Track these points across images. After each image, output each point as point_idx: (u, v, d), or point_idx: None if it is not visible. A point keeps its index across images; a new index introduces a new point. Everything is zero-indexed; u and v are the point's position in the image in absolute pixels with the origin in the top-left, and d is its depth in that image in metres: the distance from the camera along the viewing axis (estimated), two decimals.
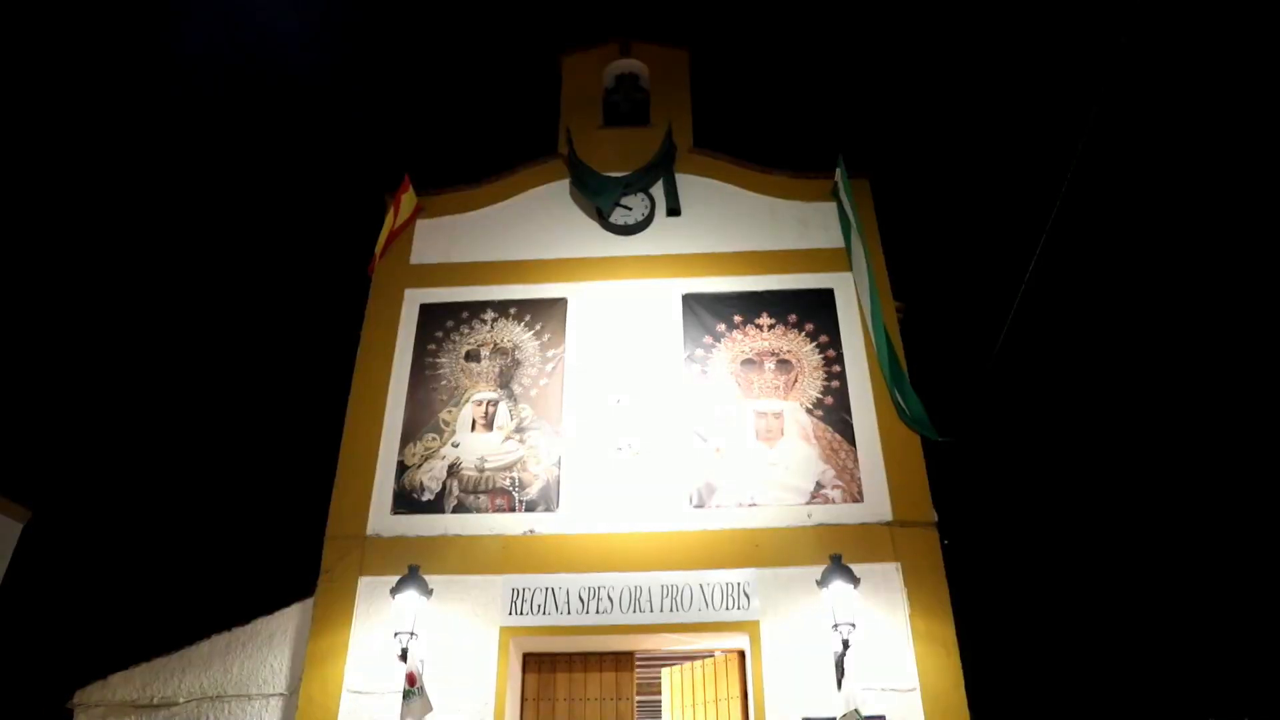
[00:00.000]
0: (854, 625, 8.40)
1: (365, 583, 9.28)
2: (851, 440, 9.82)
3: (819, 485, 9.57)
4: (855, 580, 8.58)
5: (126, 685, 9.43)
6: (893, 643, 8.75)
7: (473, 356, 10.58)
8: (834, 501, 9.48)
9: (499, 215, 11.71)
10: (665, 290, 10.88)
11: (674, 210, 11.44)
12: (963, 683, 8.63)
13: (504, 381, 10.38)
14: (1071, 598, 18.80)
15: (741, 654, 9.32)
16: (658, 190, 11.61)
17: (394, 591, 8.83)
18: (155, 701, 9.30)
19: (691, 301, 10.77)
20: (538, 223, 11.59)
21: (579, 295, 10.92)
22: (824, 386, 10.17)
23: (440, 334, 10.77)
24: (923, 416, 9.78)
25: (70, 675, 9.92)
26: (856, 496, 9.50)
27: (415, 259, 11.41)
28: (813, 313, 10.66)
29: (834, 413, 10.00)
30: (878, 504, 9.46)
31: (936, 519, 9.37)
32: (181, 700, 9.27)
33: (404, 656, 8.52)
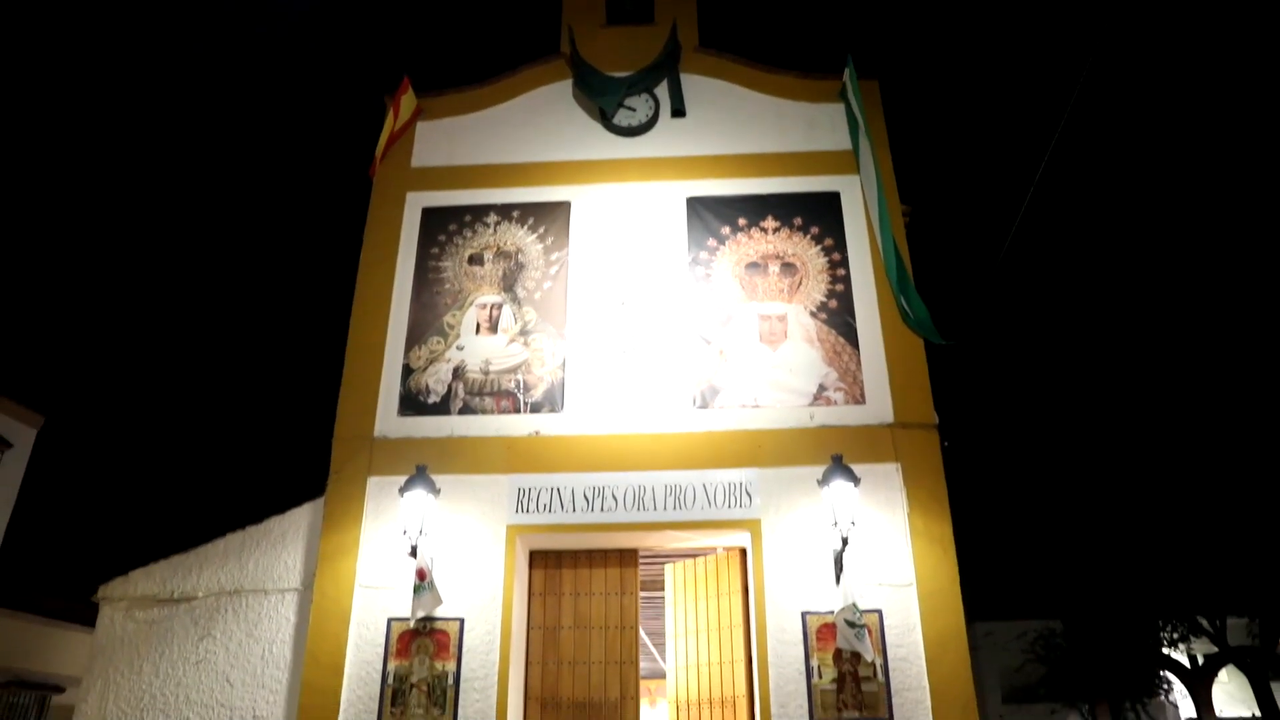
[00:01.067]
0: (854, 523, 8.58)
1: (374, 483, 9.47)
2: (855, 343, 9.84)
3: (821, 387, 9.63)
4: (855, 480, 8.71)
5: (147, 580, 9.73)
6: (891, 540, 8.95)
7: (476, 260, 10.54)
8: (836, 403, 9.56)
9: (501, 117, 11.50)
10: (669, 193, 10.77)
11: (678, 111, 11.23)
12: (958, 578, 8.86)
13: (508, 285, 10.37)
14: (1067, 497, 19.12)
15: (743, 551, 9.54)
16: (662, 91, 11.37)
17: (402, 491, 9.02)
18: (175, 596, 9.60)
19: (696, 204, 10.66)
20: (540, 124, 11.39)
21: (582, 198, 10.81)
22: (828, 290, 10.14)
23: (443, 237, 10.72)
24: (926, 320, 9.77)
25: (94, 571, 10.23)
26: (859, 399, 9.57)
27: (416, 162, 11.27)
28: (818, 216, 10.55)
29: (838, 316, 9.99)
30: (879, 406, 9.53)
31: (937, 421, 9.46)
32: (200, 595, 9.56)
33: (414, 553, 8.76)
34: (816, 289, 10.16)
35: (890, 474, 9.19)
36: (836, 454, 8.93)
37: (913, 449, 9.29)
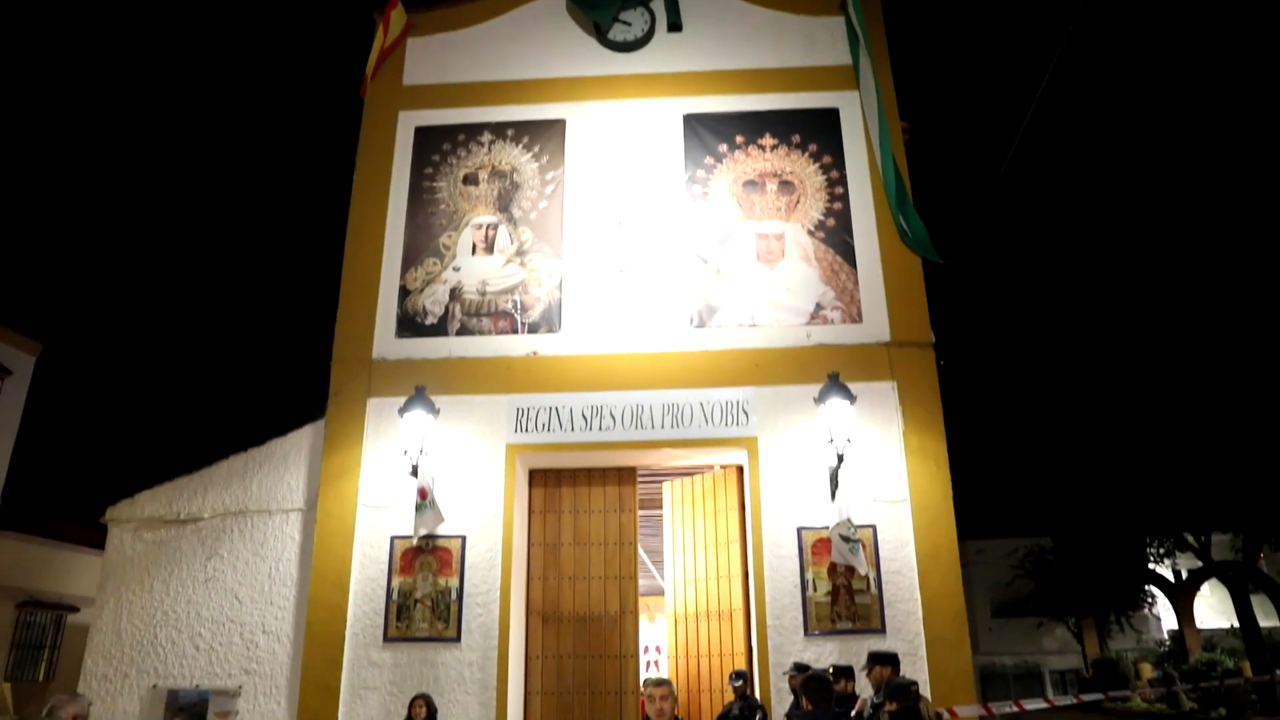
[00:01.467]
0: (849, 441, 8.68)
1: (374, 404, 9.53)
2: (852, 262, 9.81)
3: (819, 306, 9.64)
4: (852, 398, 8.79)
5: (154, 503, 9.86)
6: (886, 458, 9.06)
7: (471, 180, 10.42)
8: (833, 322, 9.58)
9: (493, 32, 11.22)
10: (666, 110, 10.58)
11: (675, 25, 10.96)
12: (951, 495, 9.01)
13: (503, 205, 10.27)
14: (1059, 416, 19.32)
15: (740, 468, 9.68)
16: (658, 4, 11.09)
17: (402, 411, 9.09)
18: (182, 517, 9.74)
19: (693, 122, 10.49)
20: (533, 40, 11.12)
21: (578, 116, 10.62)
22: (826, 208, 10.06)
23: (437, 157, 10.56)
24: (925, 238, 9.73)
25: (101, 495, 10.36)
26: (855, 317, 9.59)
27: (408, 80, 11.04)
28: (817, 133, 10.40)
29: (835, 234, 9.94)
30: (876, 325, 9.55)
31: (934, 340, 9.50)
32: (206, 516, 9.70)
33: (415, 472, 8.88)
34: (814, 207, 10.08)
35: (886, 392, 9.26)
36: (833, 372, 8.99)
37: (909, 367, 9.35)
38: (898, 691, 5.44)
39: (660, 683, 4.78)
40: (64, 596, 18.69)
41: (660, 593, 13.70)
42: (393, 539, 9.09)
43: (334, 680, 8.72)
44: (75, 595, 18.61)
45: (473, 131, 10.64)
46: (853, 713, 6.26)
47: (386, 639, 8.82)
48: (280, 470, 9.77)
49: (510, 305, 9.83)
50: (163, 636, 9.27)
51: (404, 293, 9.98)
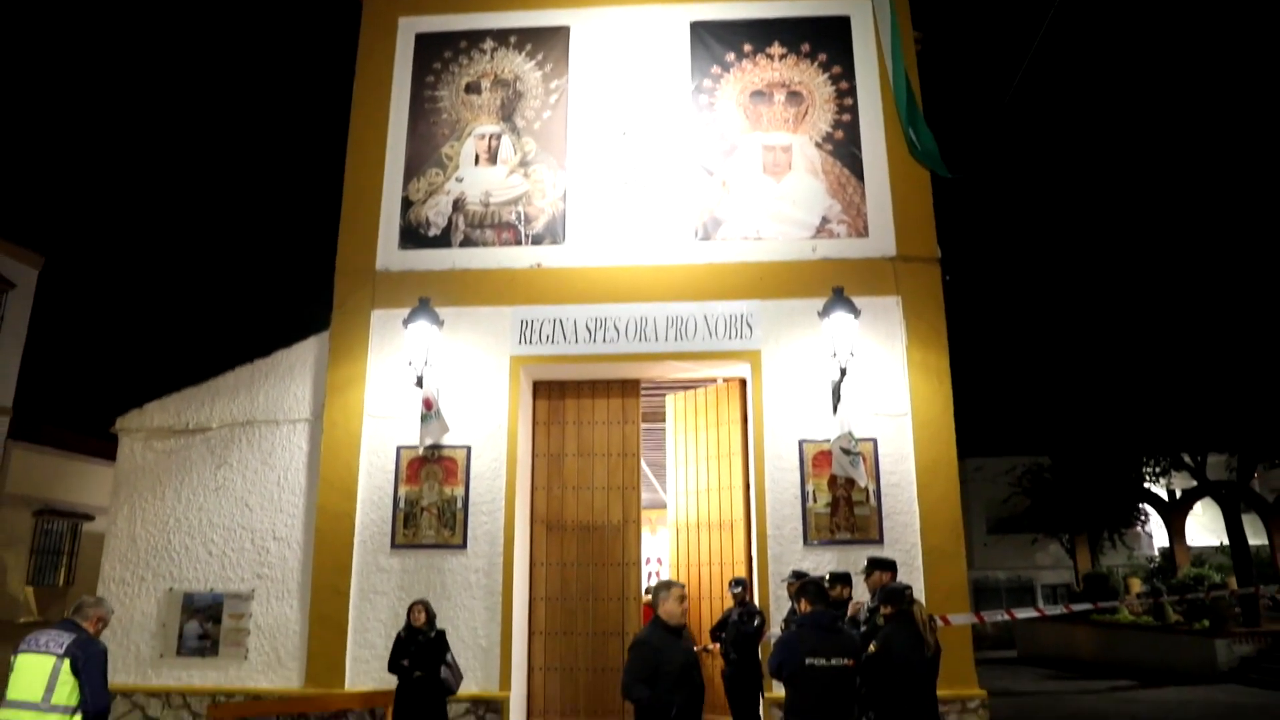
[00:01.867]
0: (852, 355, 8.71)
1: (378, 315, 9.55)
2: (860, 175, 9.68)
3: (825, 219, 9.55)
4: (856, 312, 8.78)
5: (162, 413, 9.97)
6: (888, 372, 9.11)
7: (473, 88, 10.22)
8: (839, 236, 9.51)
9: None
10: (672, 17, 10.30)
11: None
12: (952, 409, 9.08)
13: (506, 114, 10.09)
14: (1061, 335, 19.33)
15: (743, 381, 9.74)
16: None
17: (406, 323, 9.11)
18: (190, 427, 9.86)
19: (700, 29, 10.22)
20: None
21: (582, 23, 10.35)
22: (834, 120, 9.88)
23: (438, 65, 10.34)
24: (934, 152, 9.53)
25: (111, 406, 10.46)
26: (862, 231, 9.51)
27: None
28: (827, 42, 10.14)
29: (843, 147, 9.78)
30: (882, 239, 9.49)
31: (940, 255, 9.44)
32: (214, 426, 9.82)
33: (419, 383, 8.94)
34: (822, 119, 9.89)
35: (890, 307, 9.25)
36: (838, 286, 8.96)
37: (914, 282, 9.32)
38: (893, 595, 5.57)
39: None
40: (79, 506, 19.11)
41: (662, 506, 13.94)
42: (399, 449, 9.21)
43: (344, 585, 8.96)
44: (90, 505, 19.02)
45: (475, 39, 10.39)
46: (848, 616, 6.43)
47: (394, 546, 9.02)
48: (286, 381, 9.85)
49: (514, 217, 9.75)
50: (176, 542, 9.49)
51: (406, 204, 9.89)
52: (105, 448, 14.47)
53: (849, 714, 4.72)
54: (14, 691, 4.69)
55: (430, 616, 7.60)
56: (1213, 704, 11.90)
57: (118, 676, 8.66)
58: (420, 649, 7.14)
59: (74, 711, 4.71)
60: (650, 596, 5.49)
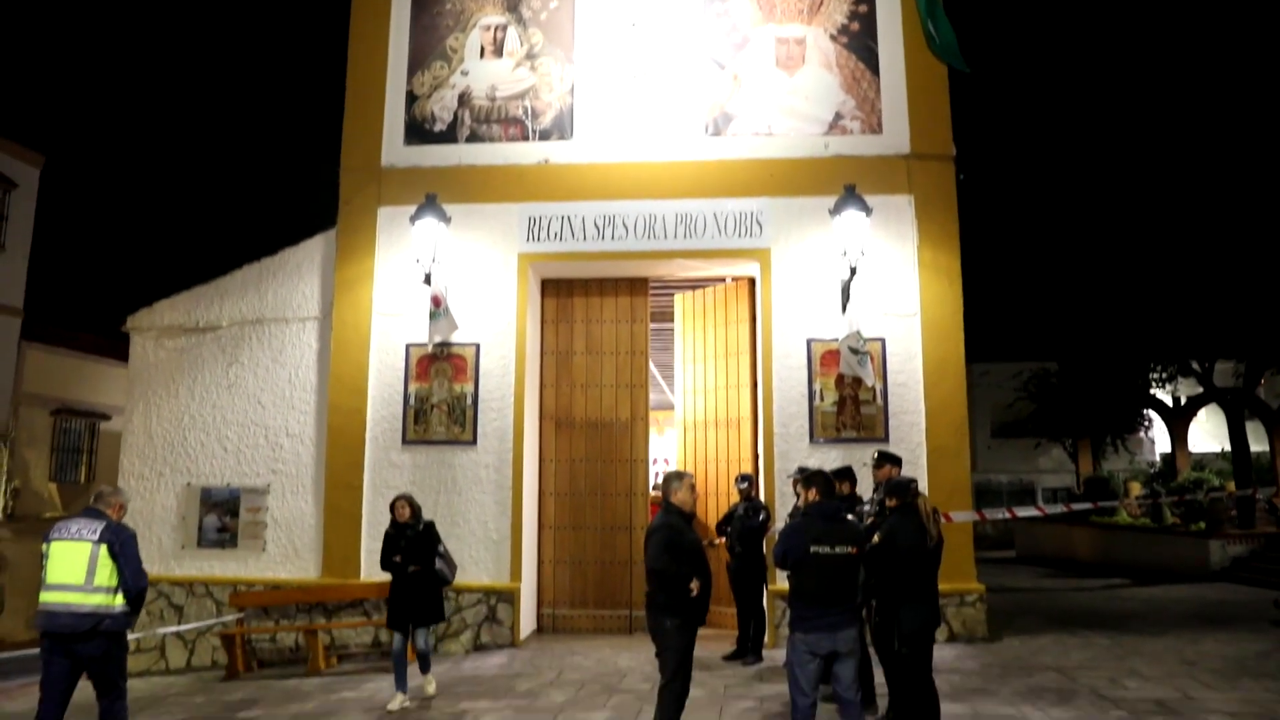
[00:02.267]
0: (863, 253, 8.64)
1: (385, 212, 9.47)
2: (875, 69, 9.41)
3: (838, 115, 9.33)
4: (868, 210, 8.67)
5: (172, 311, 10.01)
6: (899, 271, 9.04)
7: None
8: (852, 132, 9.30)
9: None
10: None
11: None
12: (961, 310, 9.04)
13: (511, 4, 9.77)
14: (1073, 237, 19.09)
15: (752, 280, 9.69)
16: None
17: (413, 219, 9.04)
18: (201, 325, 9.92)
19: None
20: None
21: None
22: (850, 11, 9.55)
23: None
24: (953, 46, 9.26)
25: (122, 306, 10.48)
26: (875, 128, 9.30)
27: None
28: None
29: (859, 40, 9.48)
30: (896, 136, 9.28)
31: (954, 153, 9.25)
32: (224, 324, 9.87)
33: (428, 280, 8.93)
34: (838, 10, 9.56)
35: (902, 206, 9.12)
36: (849, 184, 8.82)
37: (927, 181, 9.16)
38: (897, 488, 5.64)
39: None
40: (95, 405, 19.43)
41: (669, 407, 14.07)
42: (408, 346, 9.26)
43: (356, 480, 9.14)
44: (106, 404, 19.33)
45: None
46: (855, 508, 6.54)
47: (405, 442, 9.16)
48: (294, 279, 9.84)
49: (521, 111, 9.55)
50: (192, 439, 9.66)
51: (411, 98, 9.68)
52: (119, 349, 14.61)
53: (852, 600, 4.84)
54: (54, 575, 4.88)
55: (415, 510, 7.17)
56: (1202, 600, 12.19)
57: None
58: (410, 543, 6.93)
59: (114, 592, 4.92)
60: (658, 491, 5.58)
